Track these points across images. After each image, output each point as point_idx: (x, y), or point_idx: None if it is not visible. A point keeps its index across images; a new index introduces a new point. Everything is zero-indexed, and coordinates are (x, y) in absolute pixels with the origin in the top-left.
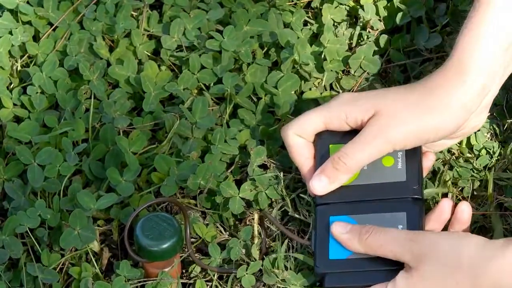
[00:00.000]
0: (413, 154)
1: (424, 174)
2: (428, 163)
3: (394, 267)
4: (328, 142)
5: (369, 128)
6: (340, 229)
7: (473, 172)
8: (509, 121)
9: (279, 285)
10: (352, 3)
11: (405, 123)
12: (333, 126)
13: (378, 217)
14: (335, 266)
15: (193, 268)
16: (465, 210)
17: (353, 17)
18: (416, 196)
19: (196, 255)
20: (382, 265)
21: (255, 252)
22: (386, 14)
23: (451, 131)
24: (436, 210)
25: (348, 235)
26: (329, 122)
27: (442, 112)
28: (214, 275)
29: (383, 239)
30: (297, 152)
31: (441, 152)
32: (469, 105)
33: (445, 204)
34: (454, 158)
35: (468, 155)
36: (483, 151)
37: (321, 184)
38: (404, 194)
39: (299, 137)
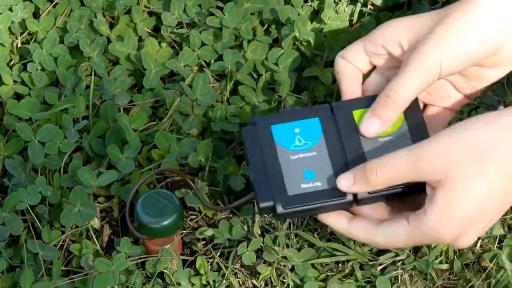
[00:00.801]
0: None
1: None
2: None
3: None
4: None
5: (409, 57)
6: (346, 183)
7: None
8: (511, 97)
9: (280, 262)
10: None
11: (444, 44)
12: (370, 48)
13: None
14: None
15: (197, 242)
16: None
17: None
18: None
19: (195, 233)
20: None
21: (256, 229)
22: None
23: (490, 48)
24: None
25: (356, 186)
26: (367, 44)
27: (478, 28)
28: (216, 254)
29: (392, 169)
30: (338, 69)
31: None
32: (502, 20)
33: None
34: None
35: None
36: None
37: (373, 126)
38: None
39: (342, 58)
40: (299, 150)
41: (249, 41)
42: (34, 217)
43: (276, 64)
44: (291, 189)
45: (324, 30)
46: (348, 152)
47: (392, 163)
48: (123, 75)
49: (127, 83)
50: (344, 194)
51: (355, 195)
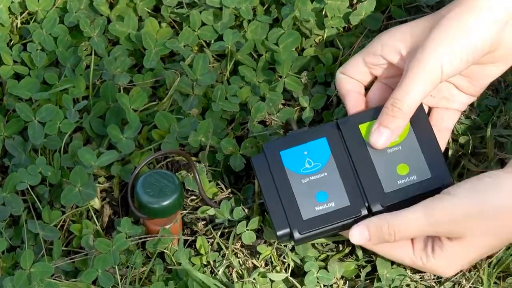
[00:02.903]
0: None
1: None
2: None
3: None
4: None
5: (409, 64)
6: (361, 238)
7: (474, 129)
8: (511, 77)
9: (280, 242)
10: None
11: (442, 47)
12: (370, 59)
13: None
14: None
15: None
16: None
17: None
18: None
19: (195, 213)
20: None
21: (256, 210)
22: None
23: (489, 44)
24: None
25: (372, 242)
26: (366, 55)
27: (474, 25)
28: (217, 234)
29: (410, 232)
30: (339, 86)
31: None
32: (497, 14)
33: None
34: None
35: (469, 112)
36: (484, 108)
37: (382, 137)
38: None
39: (342, 74)
40: (310, 172)
41: (249, 21)
42: (35, 197)
43: (276, 44)
44: (306, 213)
45: (324, 10)
46: (359, 167)
47: (409, 226)
48: (123, 55)
49: (127, 63)
50: (358, 211)
51: (369, 210)
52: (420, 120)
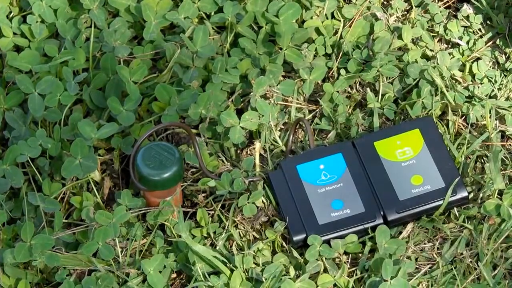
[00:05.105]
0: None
1: None
2: None
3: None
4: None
5: None
6: None
7: (475, 100)
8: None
9: None
10: None
11: None
12: None
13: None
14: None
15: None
16: None
17: None
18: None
19: (196, 185)
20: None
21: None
22: None
23: None
24: None
25: None
26: None
27: None
28: (217, 206)
29: None
30: None
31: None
32: None
33: None
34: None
35: (470, 83)
36: (485, 80)
37: None
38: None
39: None
40: (326, 183)
41: None
42: (35, 169)
43: (277, 16)
44: (322, 219)
45: None
46: (374, 179)
47: None
48: (123, 27)
49: (127, 35)
50: (373, 216)
51: (384, 217)
52: (432, 133)
